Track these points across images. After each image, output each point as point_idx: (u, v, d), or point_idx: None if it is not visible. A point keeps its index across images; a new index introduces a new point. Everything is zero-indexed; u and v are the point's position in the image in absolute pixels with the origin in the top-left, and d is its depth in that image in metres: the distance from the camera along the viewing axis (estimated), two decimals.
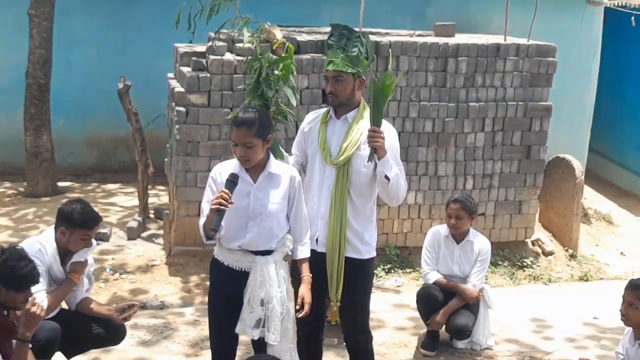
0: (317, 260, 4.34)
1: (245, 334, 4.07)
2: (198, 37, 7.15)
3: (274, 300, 3.99)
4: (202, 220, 4.04)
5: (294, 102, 4.73)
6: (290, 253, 4.18)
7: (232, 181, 3.93)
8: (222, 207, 3.83)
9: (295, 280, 4.31)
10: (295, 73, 4.91)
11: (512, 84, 7.79)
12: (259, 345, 4.10)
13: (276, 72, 4.68)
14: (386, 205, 7.37)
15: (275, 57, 4.94)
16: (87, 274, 4.96)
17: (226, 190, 3.87)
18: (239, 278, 4.05)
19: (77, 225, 4.64)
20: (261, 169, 4.07)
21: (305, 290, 4.16)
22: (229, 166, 4.11)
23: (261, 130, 3.98)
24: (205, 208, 4.02)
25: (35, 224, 7.91)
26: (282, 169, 4.16)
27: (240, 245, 4.04)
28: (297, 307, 4.12)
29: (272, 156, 4.14)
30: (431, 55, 7.55)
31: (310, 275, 4.22)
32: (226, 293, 4.11)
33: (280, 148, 4.57)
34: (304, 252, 4.22)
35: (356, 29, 4.53)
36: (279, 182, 4.10)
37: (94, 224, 4.73)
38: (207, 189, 4.11)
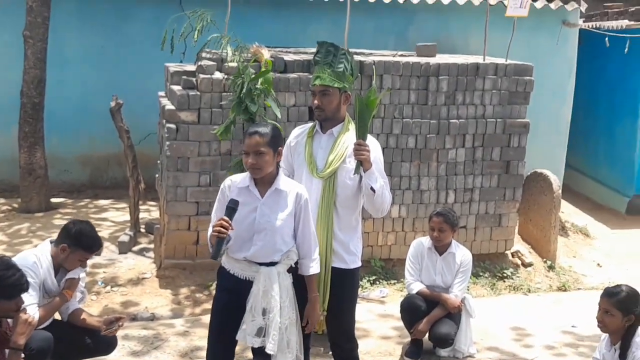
0: None
1: (246, 342, 4.05)
2: (188, 56, 7.20)
3: (274, 310, 3.99)
4: (210, 231, 4.03)
5: (278, 114, 4.76)
6: (294, 265, 4.15)
7: (232, 208, 3.94)
8: (222, 235, 3.86)
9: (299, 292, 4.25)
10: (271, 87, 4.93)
11: (491, 101, 7.82)
12: (259, 353, 4.08)
13: (258, 86, 4.71)
14: (371, 218, 7.46)
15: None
16: (80, 287, 4.93)
17: (226, 218, 3.89)
18: (244, 286, 4.06)
19: (81, 247, 4.66)
20: (269, 185, 4.07)
21: (311, 310, 4.17)
22: (241, 178, 4.13)
23: (273, 141, 4.00)
24: (214, 219, 4.06)
25: (29, 239, 7.85)
26: (290, 185, 4.15)
27: (245, 257, 4.06)
28: (303, 324, 4.13)
29: (281, 173, 4.14)
30: (413, 74, 7.58)
31: (317, 295, 4.22)
32: (230, 299, 4.11)
33: None
34: (312, 269, 4.18)
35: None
36: (286, 198, 4.09)
37: (97, 249, 4.79)
38: (217, 203, 4.15)
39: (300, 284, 4.18)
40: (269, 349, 3.97)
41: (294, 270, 4.17)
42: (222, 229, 3.86)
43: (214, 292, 6.84)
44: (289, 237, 4.11)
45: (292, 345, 4.07)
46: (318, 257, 4.21)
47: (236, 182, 4.10)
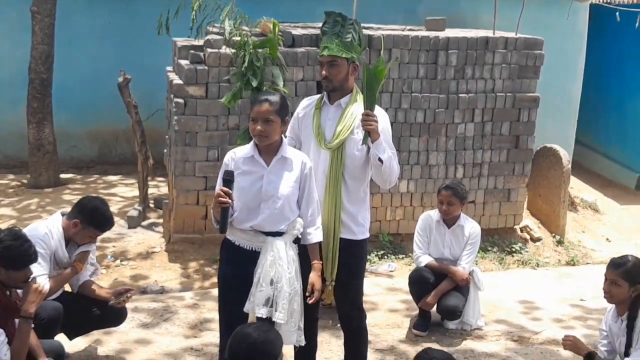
0: None
1: (254, 312, 4.03)
2: (195, 30, 7.17)
3: (282, 280, 3.98)
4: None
5: (280, 83, 4.73)
6: (300, 236, 4.14)
7: (228, 180, 3.94)
8: (224, 205, 3.88)
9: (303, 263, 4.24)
10: (280, 44, 4.89)
11: (500, 75, 7.79)
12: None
13: (264, 51, 4.66)
14: (379, 193, 7.47)
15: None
16: (91, 260, 4.97)
17: (224, 188, 3.90)
18: (250, 257, 4.06)
19: (94, 225, 4.71)
20: (274, 153, 4.08)
21: (315, 277, 4.14)
22: (244, 149, 4.14)
23: (281, 109, 4.03)
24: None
25: (39, 214, 7.89)
26: (294, 154, 4.17)
27: (252, 226, 4.05)
28: (307, 293, 4.10)
29: (285, 141, 4.15)
30: (422, 48, 7.54)
31: (321, 262, 4.21)
32: (235, 271, 4.11)
33: None
34: (316, 237, 4.18)
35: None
36: (292, 166, 4.11)
37: (109, 228, 4.82)
38: (220, 176, 4.10)
39: (302, 255, 4.18)
40: (279, 319, 3.96)
41: (297, 242, 4.16)
42: (223, 199, 3.87)
43: None
44: (295, 204, 4.11)
45: (296, 315, 4.07)
46: (321, 226, 4.22)
47: (240, 153, 4.11)
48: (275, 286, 3.98)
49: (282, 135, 4.12)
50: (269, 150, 4.07)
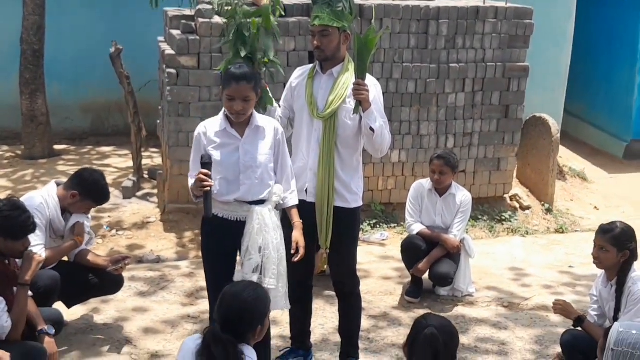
0: (307, 209, 4.36)
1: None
2: (186, 0, 7.13)
3: (270, 246, 4.01)
4: (191, 181, 4.04)
5: (271, 54, 4.69)
6: (282, 202, 4.18)
7: (207, 163, 3.92)
8: (206, 187, 3.87)
9: (285, 228, 4.29)
10: (281, 13, 4.87)
11: (491, 45, 7.78)
12: None
13: (257, 20, 4.62)
14: (371, 163, 7.49)
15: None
16: (86, 228, 4.98)
17: (204, 171, 3.88)
18: (235, 228, 4.06)
19: (93, 198, 4.74)
20: (247, 124, 4.07)
21: (298, 235, 4.17)
22: (214, 122, 4.11)
23: (257, 85, 4.03)
24: (192, 168, 4.08)
25: (34, 185, 7.87)
26: (265, 121, 4.18)
27: (236, 198, 4.04)
28: (292, 251, 4.13)
29: (254, 110, 4.13)
30: (413, 17, 7.51)
31: (301, 221, 4.23)
32: (221, 243, 4.12)
33: (270, 95, 4.56)
34: (292, 200, 4.23)
35: None
36: (264, 134, 4.12)
37: (106, 202, 4.88)
38: (195, 147, 4.11)
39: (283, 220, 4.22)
40: (269, 284, 3.98)
41: (277, 208, 4.19)
42: (206, 182, 3.86)
43: None
44: (272, 171, 4.13)
45: (283, 279, 4.10)
46: (295, 189, 4.26)
47: (212, 127, 4.08)
48: (263, 253, 4.01)
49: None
50: (240, 122, 4.06)
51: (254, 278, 3.98)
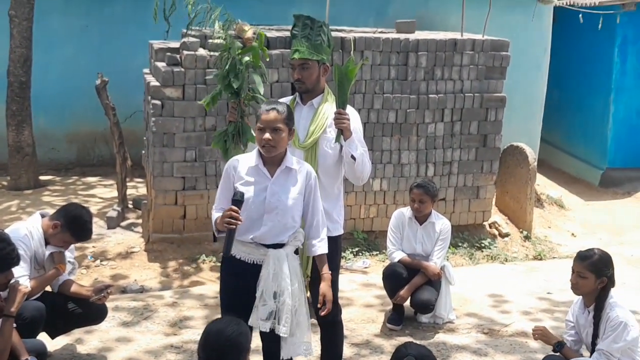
0: None
1: (258, 327, 3.88)
2: (173, 33, 7.13)
3: (285, 293, 3.85)
4: (215, 215, 3.94)
5: (261, 90, 4.70)
6: (301, 247, 4.05)
7: (239, 200, 3.79)
8: (232, 225, 3.73)
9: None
10: (267, 59, 4.89)
11: (468, 76, 7.84)
12: (269, 337, 3.95)
13: (246, 58, 4.65)
14: (353, 191, 7.50)
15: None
16: (69, 258, 4.93)
17: (234, 208, 3.75)
18: (251, 271, 3.92)
19: (71, 231, 4.69)
20: (279, 164, 3.93)
21: (326, 288, 4.01)
22: (248, 158, 3.99)
23: (289, 118, 3.90)
24: (217, 202, 3.98)
25: (19, 215, 7.80)
26: (299, 164, 4.01)
27: (253, 238, 3.91)
28: (319, 304, 3.99)
29: (289, 152, 4.01)
30: (393, 50, 7.57)
31: (330, 272, 4.07)
32: (238, 285, 3.98)
33: (252, 131, 4.55)
34: (321, 248, 4.05)
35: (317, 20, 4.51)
36: (296, 177, 3.96)
37: (84, 239, 4.86)
38: (224, 180, 3.99)
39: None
40: (282, 332, 3.85)
41: (296, 252, 4.05)
42: (232, 220, 3.72)
43: (201, 264, 6.94)
44: (299, 216, 3.97)
45: (303, 327, 3.96)
46: (326, 238, 4.08)
47: (244, 162, 3.94)
48: (278, 299, 3.85)
49: (286, 147, 3.97)
50: (273, 160, 3.92)
51: (267, 325, 3.84)
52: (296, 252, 4.02)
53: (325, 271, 4.06)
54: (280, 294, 3.86)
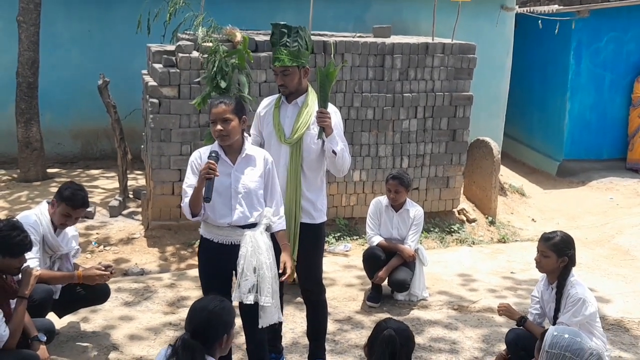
0: None
1: (242, 300, 3.87)
2: (169, 37, 7.07)
3: (264, 266, 3.85)
4: (185, 200, 3.89)
5: (245, 91, 4.65)
6: (271, 224, 4.04)
7: (214, 156, 3.81)
8: (210, 175, 3.71)
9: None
10: (252, 61, 4.83)
11: (439, 77, 7.83)
12: (247, 309, 3.94)
13: (233, 60, 4.61)
14: (335, 182, 7.47)
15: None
16: (74, 244, 4.86)
17: (211, 161, 3.75)
18: (230, 251, 3.91)
19: (64, 199, 4.54)
20: (238, 152, 3.94)
21: (286, 257, 4.04)
22: (207, 149, 3.97)
23: (238, 109, 3.89)
24: (188, 190, 3.87)
25: (28, 205, 7.70)
26: (256, 151, 4.03)
27: (230, 223, 3.90)
28: (280, 271, 4.00)
29: (247, 140, 4.02)
30: (371, 52, 7.54)
31: (288, 244, 4.13)
32: (217, 266, 3.98)
33: None
34: (281, 224, 4.09)
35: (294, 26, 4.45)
36: (255, 162, 3.97)
37: (78, 205, 4.56)
38: (188, 173, 3.94)
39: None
40: (265, 302, 3.86)
41: (268, 230, 4.04)
42: (211, 170, 3.71)
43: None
44: (262, 197, 3.98)
45: (276, 296, 3.97)
46: (284, 215, 4.12)
47: (205, 154, 3.93)
48: (258, 273, 3.85)
49: (243, 135, 3.99)
50: (232, 149, 3.94)
51: (251, 297, 3.84)
52: (267, 229, 4.00)
53: (284, 242, 4.09)
54: (259, 267, 3.87)
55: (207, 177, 3.74)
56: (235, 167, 3.94)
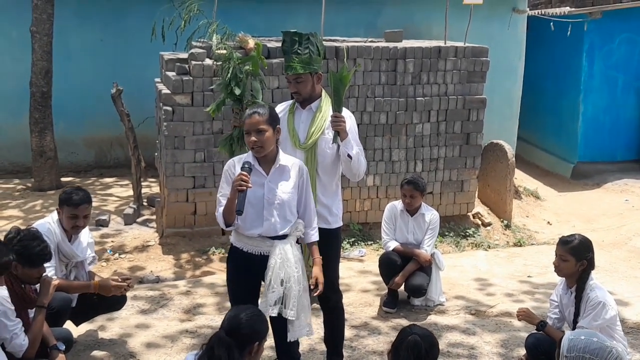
0: None
1: (266, 312, 3.78)
2: (180, 45, 7.09)
3: (291, 279, 3.78)
4: (219, 209, 3.84)
5: (259, 97, 4.64)
6: (302, 236, 3.99)
7: (247, 167, 3.74)
8: (243, 187, 3.65)
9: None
10: (265, 67, 4.81)
11: (452, 80, 7.80)
12: (276, 321, 3.89)
13: (247, 67, 4.59)
14: (349, 187, 7.45)
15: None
16: (91, 252, 4.86)
17: (244, 173, 3.69)
18: (259, 262, 3.86)
19: (64, 202, 4.54)
20: (272, 162, 3.85)
21: (317, 271, 3.97)
22: (242, 159, 3.90)
23: (272, 119, 3.81)
24: (222, 199, 3.83)
25: (43, 214, 7.72)
26: (291, 161, 3.94)
27: (260, 234, 3.85)
28: (312, 286, 3.95)
29: (280, 150, 3.94)
30: (383, 57, 7.52)
31: (321, 257, 4.04)
32: (245, 276, 3.93)
33: None
34: (314, 236, 4.02)
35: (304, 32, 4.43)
36: (289, 173, 3.89)
37: (79, 202, 4.51)
38: (222, 182, 3.89)
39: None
40: (290, 315, 3.80)
41: (298, 242, 3.99)
42: (243, 183, 3.64)
43: (211, 256, 6.88)
44: (294, 208, 3.90)
45: (305, 310, 3.91)
46: (317, 227, 4.04)
47: (240, 164, 3.84)
48: (285, 286, 3.79)
49: (278, 145, 3.92)
50: (266, 159, 3.85)
51: (276, 310, 3.79)
52: (298, 241, 3.96)
53: (317, 256, 4.02)
54: (287, 280, 3.80)
55: (239, 190, 3.68)
56: (268, 178, 3.85)
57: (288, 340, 3.91)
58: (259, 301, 3.88)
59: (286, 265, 3.80)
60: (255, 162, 3.86)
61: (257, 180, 3.82)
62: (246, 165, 3.77)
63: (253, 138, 3.76)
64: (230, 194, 3.74)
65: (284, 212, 3.85)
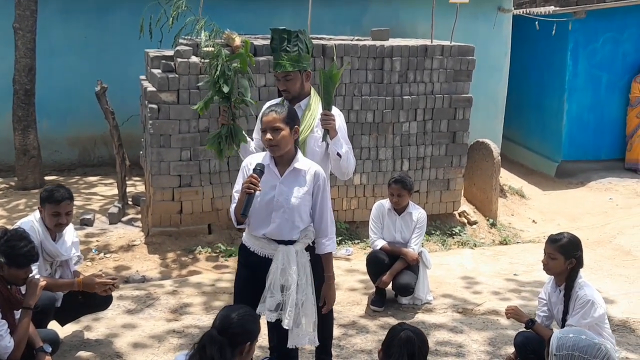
0: None
1: (264, 316, 3.78)
2: (166, 42, 7.01)
3: (292, 287, 3.70)
4: (232, 206, 3.79)
5: (248, 96, 4.60)
6: (312, 244, 3.88)
7: (259, 170, 3.66)
8: (251, 190, 3.58)
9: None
10: (252, 64, 4.78)
11: (438, 79, 7.81)
12: (276, 327, 3.84)
13: (234, 64, 4.56)
14: (336, 185, 7.43)
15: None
16: (76, 252, 4.81)
17: (255, 175, 3.62)
18: (262, 263, 3.79)
19: (45, 200, 4.50)
20: (288, 164, 3.75)
21: (327, 289, 3.91)
22: (261, 158, 3.82)
23: (289, 118, 3.71)
24: (236, 195, 3.77)
25: (27, 213, 7.60)
26: (308, 165, 3.80)
27: (265, 234, 3.78)
28: (321, 303, 3.89)
29: (299, 152, 3.83)
30: (370, 55, 7.51)
31: (333, 274, 3.95)
32: (250, 275, 3.87)
33: (243, 133, 4.47)
34: (328, 247, 3.87)
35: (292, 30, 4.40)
36: (305, 177, 3.77)
37: (59, 199, 4.46)
38: (239, 178, 3.83)
39: (316, 262, 3.89)
40: (285, 325, 3.72)
41: (311, 249, 3.86)
42: (252, 186, 3.57)
43: (197, 255, 6.85)
44: (307, 215, 3.79)
45: (308, 319, 3.81)
46: (334, 237, 3.91)
47: (257, 161, 3.77)
48: (285, 293, 3.72)
49: (296, 147, 3.81)
50: (283, 160, 3.76)
51: (274, 315, 3.73)
52: (307, 249, 3.84)
53: (330, 272, 3.92)
54: (287, 287, 3.72)
55: (247, 192, 3.61)
56: (281, 180, 3.75)
57: (287, 346, 3.85)
58: (260, 303, 3.81)
59: (287, 273, 3.73)
60: (272, 161, 3.78)
61: (270, 181, 3.74)
62: (258, 168, 3.69)
63: (268, 136, 3.68)
64: (240, 194, 3.69)
65: (293, 216, 3.75)
